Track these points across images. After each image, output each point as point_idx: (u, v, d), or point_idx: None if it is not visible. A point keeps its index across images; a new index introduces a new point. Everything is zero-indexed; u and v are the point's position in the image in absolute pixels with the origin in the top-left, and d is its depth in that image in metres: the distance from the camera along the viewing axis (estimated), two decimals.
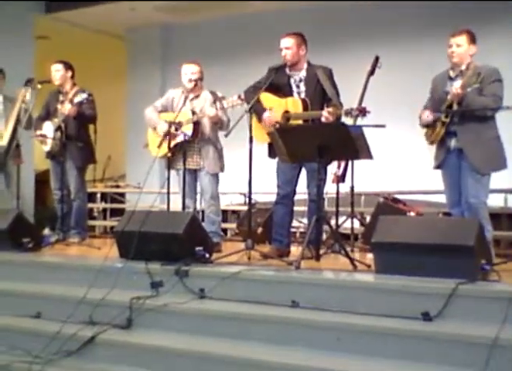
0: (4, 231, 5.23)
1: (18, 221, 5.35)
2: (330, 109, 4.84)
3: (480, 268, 3.63)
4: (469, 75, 4.52)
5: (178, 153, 5.41)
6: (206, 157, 5.43)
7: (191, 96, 5.48)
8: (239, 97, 5.04)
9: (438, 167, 4.80)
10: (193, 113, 5.37)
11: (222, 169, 5.53)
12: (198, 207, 5.91)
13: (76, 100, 5.93)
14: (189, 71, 5.47)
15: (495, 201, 6.55)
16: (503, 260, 4.28)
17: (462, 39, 4.64)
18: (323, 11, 8.69)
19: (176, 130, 5.29)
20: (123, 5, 9.30)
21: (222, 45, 9.05)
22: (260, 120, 5.06)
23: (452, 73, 4.74)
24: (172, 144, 5.35)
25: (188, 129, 5.34)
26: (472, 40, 4.66)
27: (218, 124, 5.37)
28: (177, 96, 5.53)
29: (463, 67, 4.64)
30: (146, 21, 10.01)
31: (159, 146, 5.31)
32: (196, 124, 5.37)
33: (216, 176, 5.51)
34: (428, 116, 4.69)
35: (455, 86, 4.54)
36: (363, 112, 4.90)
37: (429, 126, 4.74)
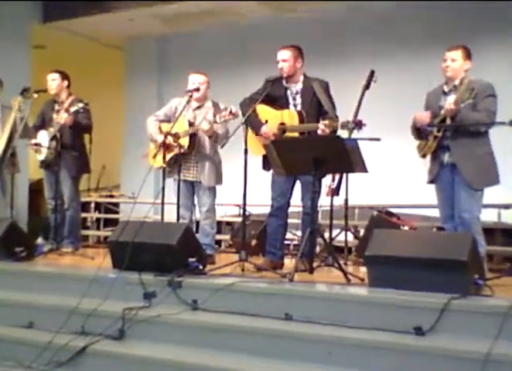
0: None
1: (12, 230, 5.34)
2: (326, 121, 4.85)
3: (473, 283, 3.63)
4: (462, 90, 4.54)
5: (175, 164, 5.39)
6: (202, 170, 5.41)
7: (194, 105, 5.49)
8: (230, 112, 5.04)
9: (431, 181, 4.81)
10: (190, 124, 5.36)
11: (218, 183, 5.50)
12: (193, 218, 5.90)
13: (73, 109, 5.94)
14: (195, 81, 5.44)
15: (489, 216, 6.58)
16: (497, 274, 4.29)
17: (457, 54, 4.66)
18: (320, 24, 8.74)
19: (174, 141, 5.29)
20: (121, 15, 9.34)
21: (218, 56, 9.08)
22: (256, 133, 5.06)
23: (445, 88, 4.76)
24: (169, 156, 5.35)
25: (184, 141, 5.34)
26: (468, 56, 4.69)
27: (213, 137, 5.32)
28: (181, 105, 5.47)
29: (457, 82, 4.67)
30: (144, 31, 10.04)
31: (154, 157, 5.32)
32: (193, 136, 5.35)
33: (212, 189, 5.49)
34: (425, 116, 4.67)
35: (449, 101, 4.56)
36: (359, 125, 4.91)
37: (422, 138, 4.75)
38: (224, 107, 5.19)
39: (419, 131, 4.75)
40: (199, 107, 5.50)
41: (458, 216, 4.63)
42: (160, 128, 5.45)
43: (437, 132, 4.61)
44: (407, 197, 7.38)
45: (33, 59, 9.60)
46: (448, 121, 4.57)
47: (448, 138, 4.62)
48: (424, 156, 4.78)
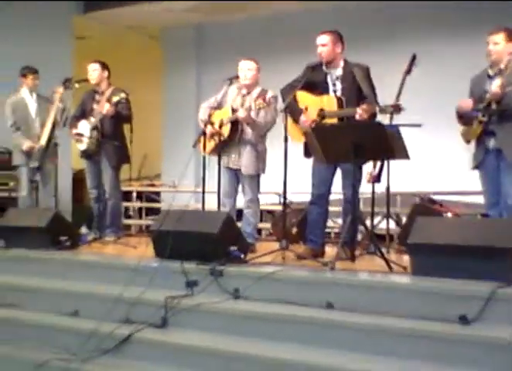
0: (42, 229, 5.31)
1: (56, 219, 5.42)
2: (364, 106, 4.80)
3: None
4: (508, 73, 4.46)
5: (222, 152, 5.38)
6: (243, 157, 5.38)
7: (244, 91, 5.48)
8: (263, 99, 5.04)
9: (476, 167, 4.74)
10: (233, 111, 5.34)
11: (261, 171, 5.44)
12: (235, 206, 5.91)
13: (115, 99, 5.98)
14: (245, 67, 5.42)
15: None
16: None
17: (500, 37, 4.59)
18: (356, 11, 8.65)
19: (220, 127, 5.29)
20: (158, 5, 9.39)
21: (255, 44, 9.03)
22: (296, 121, 5.04)
23: (490, 72, 4.68)
24: (211, 144, 5.36)
25: (226, 129, 5.34)
26: (511, 38, 4.59)
27: (251, 124, 5.29)
28: (231, 91, 5.48)
29: (502, 66, 4.58)
30: (180, 21, 10.07)
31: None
32: (235, 124, 5.33)
33: (255, 178, 5.44)
34: (468, 102, 4.60)
35: (495, 85, 4.48)
36: (397, 109, 4.85)
37: (467, 123, 4.67)
38: (273, 94, 5.18)
39: (463, 118, 4.67)
40: (248, 93, 5.47)
41: (504, 202, 4.56)
42: (210, 115, 5.37)
43: (482, 117, 4.53)
44: (450, 184, 7.28)
45: (74, 50, 9.72)
46: (493, 106, 4.49)
47: (494, 123, 4.54)
48: (468, 142, 4.71)
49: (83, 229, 6.77)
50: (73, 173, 9.35)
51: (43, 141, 6.42)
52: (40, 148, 6.42)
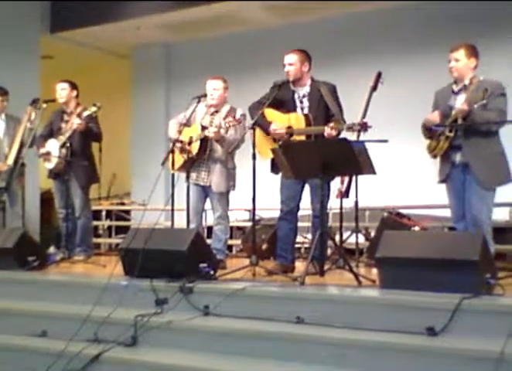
0: (9, 250, 5.24)
1: (23, 239, 5.36)
2: (332, 124, 4.86)
3: (485, 282, 3.61)
4: (472, 89, 4.53)
5: (191, 168, 5.41)
6: (212, 175, 5.41)
7: (212, 110, 5.50)
8: (233, 117, 5.10)
9: (442, 181, 4.80)
10: (203, 128, 5.36)
11: (230, 188, 5.46)
12: (204, 224, 5.90)
13: (85, 113, 5.98)
14: (211, 87, 5.46)
15: (500, 215, 6.55)
16: (509, 273, 4.26)
17: (460, 54, 4.65)
18: (327, 27, 8.76)
19: (190, 144, 5.30)
20: (127, 24, 9.40)
21: (223, 62, 9.09)
22: (266, 132, 5.07)
23: (455, 87, 4.74)
24: (180, 161, 5.37)
25: (195, 146, 5.35)
26: (471, 53, 4.66)
27: (220, 142, 5.31)
28: (199, 109, 5.50)
29: (467, 82, 4.65)
30: (149, 40, 10.10)
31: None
32: (204, 141, 5.35)
33: (225, 195, 5.46)
34: (435, 116, 4.67)
35: (460, 102, 4.55)
36: (364, 127, 4.92)
37: (432, 138, 4.73)
38: (242, 113, 5.21)
39: (429, 131, 4.74)
40: (216, 112, 5.50)
41: (469, 215, 4.62)
42: (180, 131, 5.37)
43: (449, 132, 4.59)
44: (417, 198, 7.36)
45: (41, 69, 9.67)
46: (459, 121, 4.55)
47: (460, 138, 4.60)
48: (435, 157, 4.76)
49: (52, 249, 6.70)
50: (40, 193, 9.27)
51: (10, 161, 6.36)
52: (8, 169, 6.36)
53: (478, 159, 4.57)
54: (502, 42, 7.63)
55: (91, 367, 3.86)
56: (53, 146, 6.18)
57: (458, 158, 4.66)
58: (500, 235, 4.91)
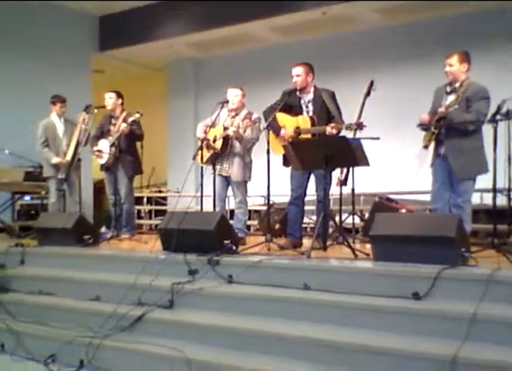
0: (69, 230, 5.27)
1: (80, 221, 5.37)
2: (333, 124, 4.83)
3: (461, 255, 3.58)
4: (463, 90, 4.46)
5: (216, 162, 5.41)
6: (233, 167, 5.41)
7: (232, 113, 5.48)
8: (250, 119, 5.12)
9: (431, 166, 4.74)
10: (225, 129, 5.35)
11: (247, 179, 5.45)
12: (227, 207, 5.89)
13: (130, 119, 6.00)
14: (232, 94, 5.45)
15: (474, 199, 6.47)
16: (480, 248, 4.23)
17: (454, 60, 4.59)
18: (327, 43, 8.70)
19: (214, 141, 5.29)
20: (163, 43, 9.41)
21: (242, 74, 9.06)
22: (277, 135, 5.06)
23: (448, 89, 4.68)
24: (207, 156, 5.36)
25: (218, 143, 5.35)
26: (463, 59, 4.58)
27: (239, 139, 5.32)
28: (222, 113, 5.49)
29: (457, 84, 4.58)
30: (181, 56, 10.12)
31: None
32: (226, 139, 5.35)
33: (243, 184, 5.44)
34: (425, 118, 4.62)
35: (444, 105, 4.49)
36: (360, 126, 4.88)
37: (427, 131, 4.66)
38: (257, 116, 5.19)
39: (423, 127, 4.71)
40: (236, 115, 5.48)
41: (453, 199, 4.57)
42: (206, 132, 5.37)
43: (434, 129, 4.55)
44: (404, 185, 7.31)
45: (93, 81, 9.72)
46: (442, 121, 4.50)
47: (442, 135, 4.56)
48: (426, 147, 4.67)
49: (103, 229, 6.73)
50: (94, 183, 9.33)
51: (69, 156, 6.40)
52: (66, 163, 6.40)
53: (454, 153, 4.54)
54: (491, 49, 7.49)
55: (136, 325, 3.90)
56: (104, 145, 6.21)
57: (442, 150, 4.63)
58: (473, 216, 4.84)
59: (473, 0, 7.17)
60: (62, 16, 9.18)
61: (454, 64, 4.57)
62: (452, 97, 4.53)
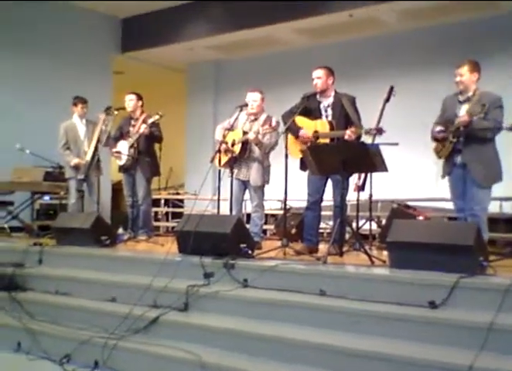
0: (87, 230, 5.32)
1: (98, 222, 5.42)
2: (353, 129, 4.82)
3: (479, 264, 3.55)
4: (474, 101, 4.47)
5: (234, 166, 5.39)
6: (250, 171, 5.40)
7: (252, 117, 5.47)
8: (269, 125, 5.07)
9: (444, 177, 4.73)
10: (244, 133, 5.35)
11: (265, 183, 5.42)
12: (243, 211, 5.89)
13: (150, 120, 6.03)
14: (251, 98, 5.41)
15: (492, 207, 6.41)
16: (499, 257, 4.18)
17: (464, 70, 4.59)
18: (348, 48, 8.69)
19: (233, 145, 5.30)
20: (183, 45, 9.47)
21: (261, 77, 9.10)
22: (296, 136, 5.05)
23: (460, 98, 4.67)
24: (225, 159, 5.37)
25: (237, 147, 5.36)
26: (474, 68, 4.59)
27: (258, 145, 5.30)
28: (241, 116, 5.45)
29: (470, 93, 4.59)
30: (202, 58, 10.16)
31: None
32: (245, 143, 5.34)
33: (260, 188, 5.42)
34: (439, 130, 4.62)
35: (463, 111, 4.49)
36: (379, 131, 4.86)
37: (439, 141, 4.67)
38: (277, 120, 5.18)
39: (436, 139, 4.73)
40: (255, 119, 5.47)
41: (469, 208, 4.54)
42: (225, 135, 5.37)
43: (452, 138, 4.55)
44: (422, 192, 7.26)
45: (113, 82, 9.80)
46: (461, 129, 4.50)
47: (461, 143, 4.55)
48: (440, 158, 4.73)
49: (120, 230, 6.79)
50: (112, 184, 9.39)
51: (88, 157, 6.45)
52: (86, 163, 6.45)
53: (475, 162, 4.53)
54: (500, 59, 7.46)
55: (151, 327, 3.92)
56: (123, 146, 6.25)
57: (459, 159, 4.62)
58: (491, 224, 4.80)
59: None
60: (85, 18, 9.30)
61: (465, 74, 4.58)
62: (466, 106, 4.51)
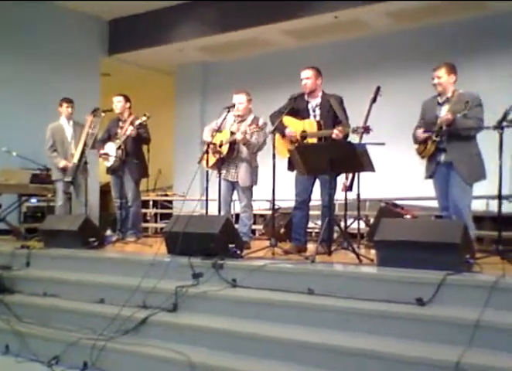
0: (75, 232, 5.30)
1: (86, 224, 5.40)
2: (340, 127, 4.84)
3: (465, 262, 3.59)
4: (454, 101, 4.53)
5: (222, 166, 5.40)
6: (239, 172, 5.41)
7: (238, 119, 5.48)
8: (256, 125, 5.09)
9: (429, 177, 4.78)
10: (231, 134, 5.36)
11: (253, 183, 5.45)
12: (232, 212, 5.90)
13: (137, 122, 6.02)
14: (237, 100, 5.43)
15: (479, 206, 6.47)
16: (485, 254, 4.22)
17: (442, 72, 4.67)
18: (335, 49, 8.72)
19: (220, 146, 5.30)
20: (172, 47, 9.45)
21: (248, 78, 9.10)
22: (283, 135, 5.06)
23: (440, 99, 4.74)
24: (213, 160, 5.37)
25: (224, 148, 5.36)
26: (451, 70, 4.67)
27: (246, 144, 5.33)
28: (229, 117, 5.48)
29: (449, 94, 4.65)
30: (190, 60, 10.14)
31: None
32: (232, 144, 5.35)
33: (249, 188, 5.45)
34: (422, 133, 4.68)
35: (444, 112, 4.54)
36: (367, 130, 4.89)
37: (421, 143, 4.73)
38: (264, 121, 5.19)
39: (417, 141, 4.78)
40: (242, 120, 5.48)
41: (452, 206, 4.59)
42: (213, 136, 5.38)
43: (435, 137, 4.59)
44: (409, 191, 7.30)
45: (101, 84, 9.76)
46: (444, 128, 4.55)
47: (445, 142, 4.60)
48: (423, 157, 4.79)
49: (108, 232, 6.76)
50: (100, 186, 9.35)
51: (75, 159, 6.42)
52: (73, 166, 6.42)
53: (460, 159, 4.57)
54: (484, 59, 7.55)
55: (140, 328, 3.91)
56: (111, 148, 6.23)
57: (442, 158, 4.67)
58: (478, 222, 4.85)
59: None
60: (72, 19, 9.24)
61: (442, 76, 4.65)
62: (446, 107, 4.58)
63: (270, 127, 5.10)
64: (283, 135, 5.06)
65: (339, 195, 5.38)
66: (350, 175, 5.79)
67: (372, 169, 4.40)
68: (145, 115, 6.03)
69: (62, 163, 6.52)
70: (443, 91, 4.67)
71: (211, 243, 4.34)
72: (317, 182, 5.07)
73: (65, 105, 6.68)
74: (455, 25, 7.76)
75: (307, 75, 5.08)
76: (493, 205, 6.78)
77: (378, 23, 8.11)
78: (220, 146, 5.33)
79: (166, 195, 10.31)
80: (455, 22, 7.76)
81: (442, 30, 7.88)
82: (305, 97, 5.13)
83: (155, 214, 9.74)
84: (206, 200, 5.41)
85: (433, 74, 4.69)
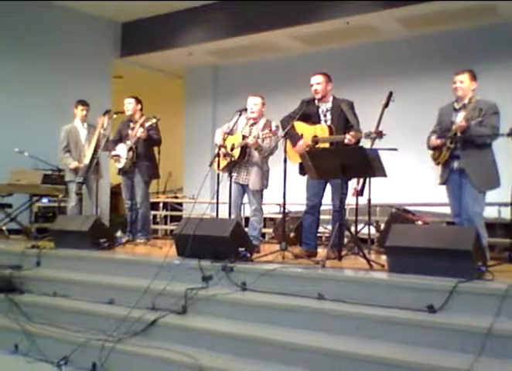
0: (85, 233, 5.32)
1: (97, 225, 5.42)
2: (352, 133, 4.81)
3: (477, 269, 3.55)
4: (470, 108, 4.49)
5: (233, 170, 5.39)
6: (249, 175, 5.39)
7: (251, 121, 5.48)
8: (270, 130, 5.06)
9: (443, 183, 4.75)
10: (244, 137, 5.35)
11: (264, 187, 5.41)
12: (242, 215, 5.89)
13: (147, 124, 6.03)
14: (251, 102, 5.42)
15: (491, 213, 6.43)
16: (497, 262, 4.18)
17: (465, 77, 4.62)
18: (347, 54, 8.71)
19: (232, 150, 5.30)
20: (182, 50, 9.49)
21: (260, 82, 9.12)
22: (294, 145, 5.05)
23: (456, 106, 4.70)
24: (224, 163, 5.37)
25: (236, 152, 5.36)
26: (474, 77, 4.64)
27: (258, 149, 5.30)
28: (241, 121, 5.48)
29: (466, 101, 4.61)
30: (201, 63, 10.17)
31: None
32: (244, 148, 5.34)
33: (259, 192, 5.41)
34: (436, 139, 4.66)
35: (460, 118, 4.51)
36: (380, 135, 4.87)
37: (435, 149, 4.70)
38: (276, 125, 5.18)
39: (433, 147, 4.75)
40: (254, 123, 5.47)
41: (465, 212, 4.56)
42: (224, 139, 5.35)
43: (450, 144, 4.56)
44: (420, 197, 7.27)
45: (113, 86, 9.81)
46: (458, 135, 4.52)
47: (459, 149, 4.57)
48: (438, 164, 4.75)
49: (119, 233, 6.77)
50: (111, 187, 9.39)
51: (87, 160, 6.45)
52: (84, 167, 6.45)
53: (473, 167, 4.54)
54: (496, 67, 7.51)
55: (149, 330, 3.91)
56: (122, 149, 6.24)
57: (456, 164, 4.63)
58: (490, 230, 4.80)
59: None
60: (85, 22, 9.32)
61: (465, 81, 4.62)
62: (462, 114, 4.54)
63: (281, 132, 5.08)
64: (294, 145, 5.04)
65: (350, 200, 5.35)
66: (361, 180, 5.76)
67: (383, 174, 4.38)
68: (154, 117, 6.04)
69: (73, 164, 6.56)
70: (462, 96, 4.63)
71: (221, 246, 4.34)
72: (328, 187, 5.05)
73: (80, 107, 6.72)
74: (468, 33, 7.74)
75: (318, 80, 5.07)
76: (506, 213, 6.74)
77: (389, 29, 8.11)
78: (232, 149, 5.33)
79: (176, 198, 10.33)
80: (466, 29, 7.73)
81: (452, 37, 7.85)
82: (316, 102, 5.12)
83: (165, 216, 9.76)
84: (217, 203, 5.40)
85: (455, 78, 4.64)
